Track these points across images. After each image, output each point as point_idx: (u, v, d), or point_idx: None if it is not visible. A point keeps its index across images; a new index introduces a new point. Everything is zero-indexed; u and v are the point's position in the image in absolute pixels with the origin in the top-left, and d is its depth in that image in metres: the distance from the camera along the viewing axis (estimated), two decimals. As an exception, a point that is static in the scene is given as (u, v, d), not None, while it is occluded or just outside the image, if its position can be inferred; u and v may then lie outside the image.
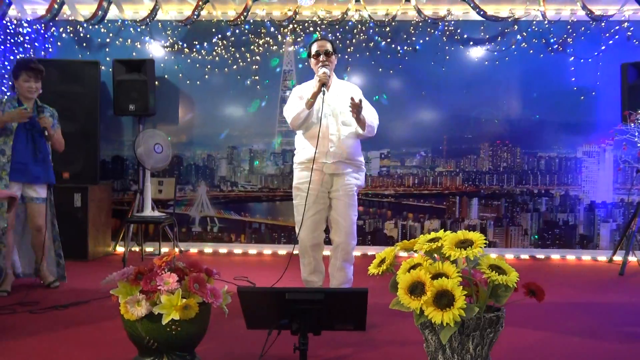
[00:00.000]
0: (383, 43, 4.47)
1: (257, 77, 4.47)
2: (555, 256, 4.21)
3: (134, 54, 4.39)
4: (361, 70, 4.47)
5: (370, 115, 2.23)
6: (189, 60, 4.46)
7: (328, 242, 2.37)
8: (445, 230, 1.33)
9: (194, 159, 4.45)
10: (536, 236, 4.25)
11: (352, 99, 2.01)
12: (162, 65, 4.38)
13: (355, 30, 4.44)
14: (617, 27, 4.19)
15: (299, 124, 2.15)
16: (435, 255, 1.26)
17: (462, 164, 4.44)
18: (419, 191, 4.38)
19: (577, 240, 4.28)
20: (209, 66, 4.46)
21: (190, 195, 4.40)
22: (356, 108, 2.02)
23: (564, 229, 4.31)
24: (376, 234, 4.33)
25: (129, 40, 4.39)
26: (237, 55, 4.48)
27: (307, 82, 2.34)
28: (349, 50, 4.43)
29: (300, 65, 4.42)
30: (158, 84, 4.33)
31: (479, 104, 4.42)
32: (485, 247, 1.24)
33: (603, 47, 4.25)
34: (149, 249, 4.19)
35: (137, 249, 4.16)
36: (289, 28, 4.45)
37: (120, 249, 4.15)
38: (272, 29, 4.46)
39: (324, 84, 2.05)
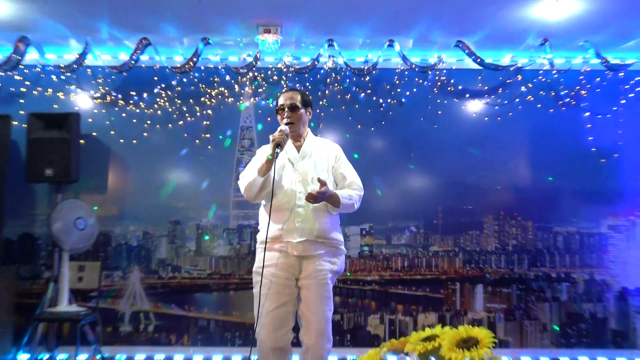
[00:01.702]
0: (362, 95, 5.09)
1: (208, 135, 5.02)
2: (584, 358, 4.45)
3: (55, 106, 4.81)
4: (336, 127, 5.06)
5: (351, 185, 2.44)
6: (124, 114, 4.98)
7: (297, 343, 2.50)
8: (443, 326, 1.35)
9: (125, 238, 4.78)
10: (556, 328, 4.48)
11: (319, 180, 2.20)
12: (89, 120, 4.83)
13: (328, 80, 5.09)
14: (638, 78, 4.82)
15: (254, 194, 2.35)
16: (432, 358, 1.24)
17: (461, 241, 4.86)
18: (410, 276, 4.70)
19: (608, 337, 4.56)
20: (148, 121, 4.98)
21: (120, 284, 4.63)
22: (312, 199, 2.19)
23: (591, 323, 4.58)
24: (357, 332, 4.53)
25: (50, 90, 4.82)
26: (184, 109, 5.01)
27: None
28: (321, 103, 5.05)
29: (259, 126, 4.98)
30: (84, 143, 4.69)
31: (479, 168, 4.92)
32: (494, 347, 1.26)
33: (623, 101, 4.87)
34: (62, 356, 4.20)
35: (46, 356, 4.16)
36: (248, 77, 5.08)
37: (23, 358, 4.13)
38: (227, 78, 5.04)
39: (278, 145, 2.22)
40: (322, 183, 2.28)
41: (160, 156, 4.98)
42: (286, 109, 2.50)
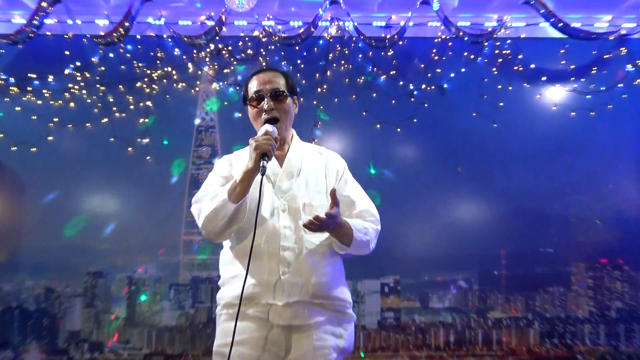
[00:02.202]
0: (383, 78, 4.74)
1: (146, 140, 4.66)
2: None
3: None
4: (342, 127, 4.70)
5: (363, 215, 2.14)
6: (17, 108, 4.60)
7: None
8: None
9: (19, 298, 4.43)
10: None
11: (331, 192, 1.93)
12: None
13: (330, 55, 4.66)
14: None
15: (218, 228, 1.98)
16: None
17: (537, 303, 4.55)
18: (460, 358, 4.30)
19: None
20: (55, 119, 4.63)
21: (10, 369, 4.29)
22: (315, 225, 1.89)
23: None
24: None
25: None
26: (111, 100, 4.64)
27: (241, 151, 2.22)
28: (319, 90, 4.64)
29: (235, 114, 4.59)
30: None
31: (563, 190, 4.59)
32: None
33: None
34: None
35: None
36: (208, 50, 4.63)
37: None
38: (176, 52, 4.64)
39: (264, 155, 1.90)
40: (333, 197, 1.90)
41: (73, 172, 4.58)
42: (266, 98, 2.04)
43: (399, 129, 4.74)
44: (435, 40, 4.70)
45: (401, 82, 4.75)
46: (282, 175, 2.08)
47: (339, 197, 2.00)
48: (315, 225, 1.89)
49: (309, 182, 2.13)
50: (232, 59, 4.74)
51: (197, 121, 4.80)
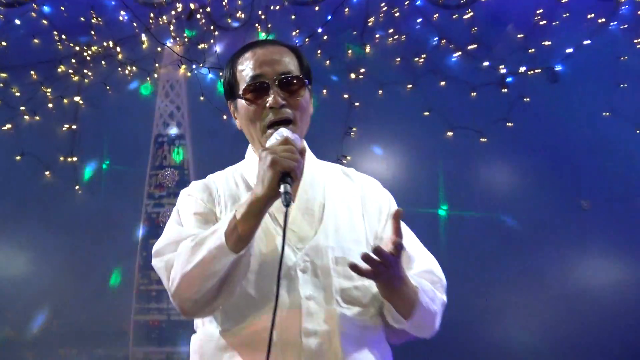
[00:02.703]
0: (455, 56, 4.43)
1: (72, 160, 4.36)
2: None
3: None
4: (390, 137, 4.41)
5: (424, 277, 2.00)
6: None
7: None
8: None
9: None
10: None
11: (376, 249, 1.76)
12: None
13: (371, 20, 4.39)
14: None
15: (205, 296, 1.85)
16: None
17: None
18: None
19: None
20: None
21: None
22: (374, 268, 1.81)
23: None
24: None
25: None
26: (17, 94, 4.39)
27: (223, 173, 2.11)
28: (352, 76, 4.39)
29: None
30: None
31: None
32: None
33: None
34: None
35: None
36: (173, 12, 4.36)
37: None
38: (122, 15, 4.41)
39: (286, 176, 1.74)
40: (397, 219, 1.83)
41: None
42: (273, 88, 1.93)
43: (483, 139, 4.34)
44: (542, -1, 4.32)
45: (486, 63, 4.37)
46: (296, 213, 1.98)
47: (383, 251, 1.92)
48: (375, 264, 1.77)
49: (340, 225, 2.01)
50: (211, 27, 4.43)
51: (156, 128, 4.40)
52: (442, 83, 4.42)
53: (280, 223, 1.91)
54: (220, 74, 4.20)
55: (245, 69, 1.97)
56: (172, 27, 4.41)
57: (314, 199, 2.01)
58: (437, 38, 4.48)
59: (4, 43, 4.39)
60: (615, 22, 4.50)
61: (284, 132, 1.84)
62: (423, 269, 2.03)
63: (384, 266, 1.79)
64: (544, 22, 4.44)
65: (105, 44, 4.40)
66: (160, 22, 4.40)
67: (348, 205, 2.04)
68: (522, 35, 4.43)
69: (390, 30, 4.45)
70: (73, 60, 4.42)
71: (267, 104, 1.91)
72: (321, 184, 2.06)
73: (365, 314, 1.96)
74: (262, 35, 4.38)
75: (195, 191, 2.04)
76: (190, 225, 1.98)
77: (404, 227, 2.00)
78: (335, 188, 2.07)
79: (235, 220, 1.77)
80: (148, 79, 4.45)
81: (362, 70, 4.42)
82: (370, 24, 4.43)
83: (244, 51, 2.00)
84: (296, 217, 1.96)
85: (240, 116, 1.99)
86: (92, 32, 4.42)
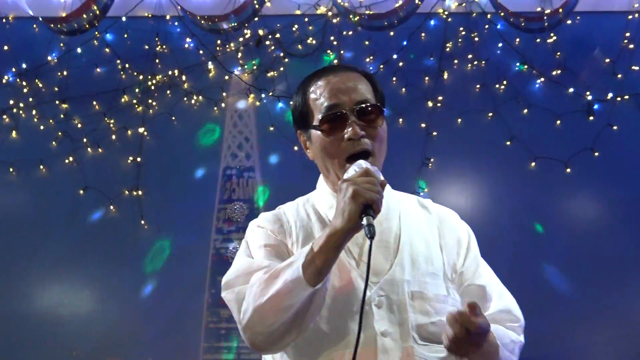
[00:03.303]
0: (538, 82, 4.33)
1: (139, 192, 4.33)
2: None
3: None
4: (469, 167, 4.35)
5: (500, 317, 1.99)
6: None
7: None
8: None
9: None
10: None
11: (469, 306, 1.75)
12: None
13: (449, 45, 4.33)
14: None
15: (279, 330, 1.84)
16: None
17: None
18: None
19: None
20: None
21: None
22: (461, 337, 1.78)
23: None
24: None
25: None
26: (79, 125, 4.37)
27: (294, 204, 2.10)
28: (429, 105, 4.31)
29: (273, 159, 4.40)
30: None
31: None
32: None
33: None
34: None
35: None
36: (240, 39, 4.35)
37: None
38: (188, 43, 4.39)
39: (368, 208, 1.73)
40: (473, 310, 1.75)
41: (16, 242, 4.39)
42: (351, 117, 1.91)
43: (568, 169, 4.22)
44: (630, 17, 4.26)
45: (571, 89, 4.23)
46: (372, 247, 1.82)
47: (467, 287, 2.02)
48: (460, 334, 1.75)
49: (416, 258, 1.97)
50: (281, 54, 4.35)
51: (224, 160, 4.34)
52: (525, 111, 4.31)
53: (354, 256, 1.90)
54: (291, 103, 3.92)
55: (320, 97, 1.91)
56: (239, 55, 4.36)
57: (389, 230, 1.96)
58: (519, 63, 4.37)
59: (65, 73, 4.35)
60: None
61: (363, 163, 1.79)
62: (500, 308, 1.97)
63: (471, 344, 1.77)
64: (632, 45, 4.31)
65: (170, 72, 4.36)
66: (228, 50, 4.36)
67: (425, 237, 1.99)
68: (609, 59, 4.32)
69: (470, 56, 4.35)
70: (137, 90, 4.38)
71: (346, 135, 1.86)
72: (396, 215, 2.00)
73: (442, 351, 1.88)
74: (335, 62, 4.21)
75: (266, 222, 2.00)
76: (261, 257, 1.93)
77: (482, 262, 2.03)
78: (411, 219, 2.02)
79: (313, 253, 1.73)
80: (214, 108, 4.27)
81: (440, 97, 4.32)
82: (448, 49, 4.34)
83: (317, 78, 1.94)
84: (378, 249, 1.89)
85: (315, 147, 1.94)
86: (157, 61, 4.38)
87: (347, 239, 1.76)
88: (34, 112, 4.40)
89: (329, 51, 4.32)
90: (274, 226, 2.00)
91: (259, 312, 1.80)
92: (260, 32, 4.33)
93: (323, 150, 1.93)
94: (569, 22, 4.22)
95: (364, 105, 1.91)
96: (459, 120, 4.29)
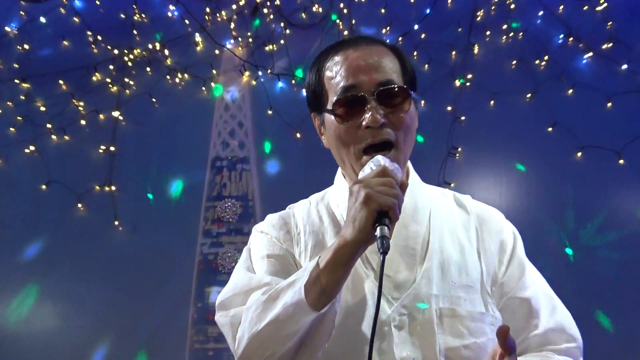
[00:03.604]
0: (586, 58, 4.06)
1: (113, 188, 4.09)
2: None
3: None
4: (503, 158, 4.08)
5: (553, 338, 1.91)
6: None
7: None
8: None
9: None
10: None
11: (499, 332, 1.68)
12: None
13: (480, 13, 4.07)
14: None
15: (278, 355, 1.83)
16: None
17: None
18: None
19: None
20: None
21: None
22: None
23: None
24: None
25: None
26: (42, 108, 4.12)
27: (306, 203, 2.07)
28: (457, 83, 4.07)
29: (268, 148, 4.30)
30: None
31: None
32: None
33: None
34: None
35: None
36: (233, 8, 4.12)
37: None
38: (171, 11, 4.16)
39: (383, 216, 1.65)
40: (503, 337, 1.69)
41: None
42: (371, 102, 1.82)
43: (621, 160, 3.86)
44: None
45: (624, 66, 3.86)
46: (393, 253, 1.82)
47: (508, 300, 1.93)
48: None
49: (448, 268, 1.87)
50: (282, 24, 4.05)
51: (214, 150, 4.10)
52: (570, 91, 3.95)
53: (373, 266, 1.80)
54: (293, 81, 3.95)
55: (336, 76, 1.82)
56: (233, 25, 4.03)
57: (415, 234, 1.85)
58: (562, 35, 4.01)
59: (26, 46, 4.03)
60: None
61: (381, 160, 1.68)
62: (552, 326, 1.84)
63: None
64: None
65: (150, 46, 4.03)
66: (219, 19, 4.03)
67: (460, 242, 1.88)
68: None
69: (504, 27, 3.99)
70: (111, 67, 4.03)
71: (364, 123, 1.76)
72: (426, 216, 1.89)
73: None
74: (345, 34, 3.90)
75: (270, 228, 1.93)
76: (262, 270, 1.87)
77: (529, 270, 1.90)
78: (444, 220, 1.91)
79: (318, 270, 1.65)
80: (203, 88, 3.93)
81: (470, 76, 3.99)
82: (479, 18, 3.99)
83: (334, 52, 1.85)
84: (393, 259, 1.79)
85: (329, 135, 1.84)
86: (135, 32, 4.02)
87: (359, 253, 1.66)
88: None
89: (337, 21, 3.99)
90: (280, 232, 1.94)
91: (256, 340, 1.74)
92: (259, -1, 4.17)
93: (338, 139, 1.82)
94: (621, -15, 3.76)
95: (387, 87, 1.78)
96: (492, 102, 3.95)
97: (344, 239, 1.64)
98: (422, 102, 3.71)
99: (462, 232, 1.91)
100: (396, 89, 1.78)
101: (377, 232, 1.57)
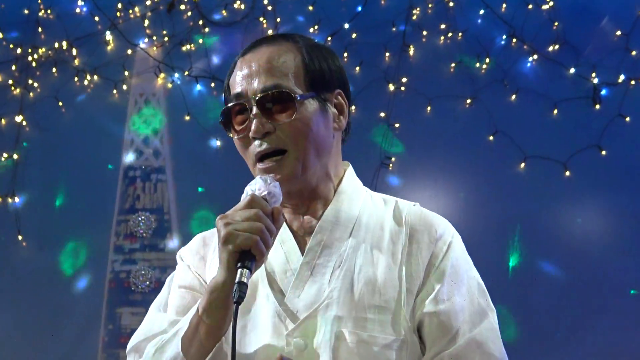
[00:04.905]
0: (530, 60, 4.07)
1: (15, 199, 4.02)
2: None
3: None
4: (442, 171, 4.15)
5: (470, 354, 1.80)
6: None
7: None
8: None
9: None
10: None
11: None
12: None
13: (415, 14, 4.06)
14: None
15: None
16: None
17: None
18: None
19: None
20: None
21: None
22: None
23: None
24: None
25: None
26: None
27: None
28: (390, 88, 4.06)
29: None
30: None
31: None
32: None
33: None
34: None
35: None
36: (147, 2, 4.06)
37: None
38: (80, 6, 4.06)
39: (244, 257, 1.63)
40: None
41: None
42: (253, 108, 1.82)
43: (567, 172, 3.82)
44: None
45: (572, 70, 3.85)
46: (303, 273, 1.79)
47: (421, 316, 1.80)
48: None
49: (360, 287, 1.80)
50: (200, 22, 3.98)
51: (127, 157, 4.02)
52: (513, 97, 3.84)
53: (280, 286, 1.75)
54: (212, 84, 3.89)
55: (233, 83, 1.81)
56: (146, 23, 3.93)
57: (332, 249, 1.76)
58: (505, 36, 3.91)
59: None
60: None
61: (257, 184, 1.65)
62: (466, 343, 1.69)
63: None
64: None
65: (57, 45, 3.91)
66: (131, 16, 3.95)
67: (381, 257, 1.75)
68: (620, 32, 3.81)
69: (443, 26, 3.89)
70: (13, 68, 3.91)
71: (250, 133, 1.75)
72: (347, 228, 1.77)
73: None
74: (270, 33, 3.69)
75: (186, 251, 1.86)
76: (173, 307, 1.81)
77: (451, 279, 1.76)
78: (369, 233, 1.78)
79: (197, 317, 1.63)
80: (114, 91, 3.80)
81: (405, 79, 3.89)
82: (414, 17, 3.90)
83: (238, 58, 1.82)
84: (301, 279, 1.74)
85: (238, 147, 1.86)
86: (40, 30, 3.92)
87: (231, 294, 1.59)
88: None
89: (260, 19, 3.89)
90: (194, 257, 1.86)
91: None
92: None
93: (238, 150, 1.81)
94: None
95: (266, 94, 1.73)
96: (429, 108, 3.85)
97: (215, 281, 1.60)
98: (353, 107, 3.48)
99: (388, 246, 1.78)
100: (275, 94, 1.71)
101: (237, 277, 1.50)
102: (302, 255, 1.76)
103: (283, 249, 1.79)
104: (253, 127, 1.71)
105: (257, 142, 1.73)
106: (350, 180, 1.84)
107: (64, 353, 3.83)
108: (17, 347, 3.91)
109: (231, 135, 1.78)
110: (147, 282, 3.64)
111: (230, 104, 1.75)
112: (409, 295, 1.69)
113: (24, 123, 3.97)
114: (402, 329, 1.68)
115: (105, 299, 3.84)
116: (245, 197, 1.61)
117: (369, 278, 1.73)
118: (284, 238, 1.83)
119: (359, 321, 1.70)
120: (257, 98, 1.71)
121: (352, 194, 1.82)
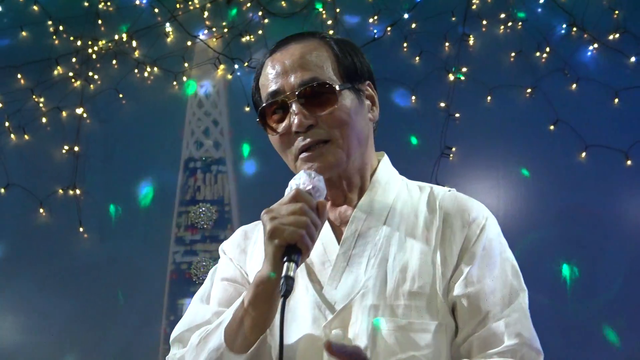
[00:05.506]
0: (591, 50, 3.99)
1: (77, 191, 4.03)
2: None
3: None
4: (503, 160, 4.03)
5: (493, 340, 1.81)
6: None
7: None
8: None
9: None
10: None
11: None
12: None
13: (474, 4, 4.02)
14: None
15: None
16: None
17: None
18: None
19: None
20: None
21: None
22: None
23: None
24: None
25: None
26: (2, 107, 4.06)
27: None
28: (450, 78, 4.01)
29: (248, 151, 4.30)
30: None
31: None
32: None
33: None
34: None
35: None
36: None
37: None
38: (141, 2, 4.06)
39: (291, 250, 1.64)
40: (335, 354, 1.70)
41: None
42: (294, 105, 1.82)
43: (629, 161, 3.75)
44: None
45: (632, 59, 3.77)
46: (339, 264, 1.80)
47: (454, 299, 1.83)
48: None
49: (396, 275, 1.81)
50: (260, 13, 3.97)
51: (187, 150, 4.02)
52: (574, 86, 3.83)
53: (318, 278, 1.77)
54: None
55: (265, 83, 1.79)
56: (206, 14, 3.93)
57: (367, 238, 1.80)
58: (565, 25, 3.88)
59: None
60: None
61: (299, 179, 1.64)
62: (495, 325, 1.73)
63: None
64: None
65: (117, 37, 3.92)
66: (191, 8, 3.95)
67: (416, 244, 1.79)
68: None
69: (502, 15, 3.88)
70: (74, 60, 3.91)
71: (292, 129, 1.75)
72: (382, 217, 1.81)
73: None
74: (329, 24, 3.82)
75: (228, 244, 1.88)
76: (216, 299, 1.84)
77: (482, 262, 1.77)
78: (403, 220, 1.82)
79: (243, 309, 1.63)
80: (174, 82, 3.84)
81: (465, 69, 3.87)
82: (474, 7, 3.89)
83: (267, 57, 1.83)
84: (338, 270, 1.76)
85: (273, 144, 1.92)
86: (100, 22, 3.91)
87: (276, 289, 1.62)
88: None
89: (320, 9, 3.86)
90: (235, 250, 1.87)
91: None
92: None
93: (277, 148, 1.81)
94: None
95: (306, 87, 1.74)
96: (489, 98, 3.83)
97: (260, 275, 1.61)
98: (413, 98, 3.59)
99: (422, 233, 1.82)
100: (316, 87, 1.74)
101: (283, 271, 1.52)
102: (339, 245, 1.83)
103: (321, 240, 1.81)
104: (296, 121, 1.73)
105: (300, 137, 1.74)
106: (385, 170, 1.88)
107: (126, 343, 3.87)
108: (79, 337, 3.92)
109: (270, 134, 1.79)
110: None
111: (267, 102, 1.77)
112: (443, 279, 1.73)
113: (85, 115, 3.98)
114: (439, 314, 1.72)
115: (166, 291, 3.87)
116: (289, 191, 1.62)
117: (403, 265, 1.77)
118: (326, 235, 1.84)
119: (395, 308, 1.74)
120: (296, 92, 1.73)
121: (387, 183, 1.86)
